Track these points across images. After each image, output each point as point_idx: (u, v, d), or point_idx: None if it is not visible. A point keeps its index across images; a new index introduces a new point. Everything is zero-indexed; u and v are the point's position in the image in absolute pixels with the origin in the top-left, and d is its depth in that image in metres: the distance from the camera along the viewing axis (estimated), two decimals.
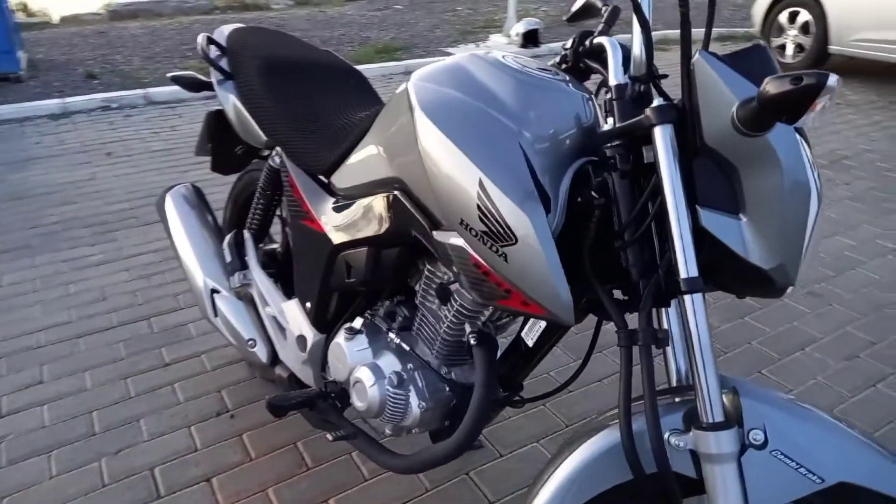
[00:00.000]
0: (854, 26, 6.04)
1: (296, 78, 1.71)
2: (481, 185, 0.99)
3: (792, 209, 0.91)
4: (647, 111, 0.94)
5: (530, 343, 1.24)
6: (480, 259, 1.03)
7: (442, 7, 10.30)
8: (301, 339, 1.60)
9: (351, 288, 1.43)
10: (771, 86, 0.79)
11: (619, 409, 0.94)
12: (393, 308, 1.46)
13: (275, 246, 1.96)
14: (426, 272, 1.33)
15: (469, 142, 1.03)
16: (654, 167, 0.98)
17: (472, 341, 1.24)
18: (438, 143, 1.05)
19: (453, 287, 1.26)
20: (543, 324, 1.21)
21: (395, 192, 1.24)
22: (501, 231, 0.98)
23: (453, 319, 1.28)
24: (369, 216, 1.32)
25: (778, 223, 0.92)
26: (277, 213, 1.86)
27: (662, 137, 0.93)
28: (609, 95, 1.04)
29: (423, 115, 1.08)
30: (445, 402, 1.38)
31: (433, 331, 1.36)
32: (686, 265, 0.93)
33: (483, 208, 0.99)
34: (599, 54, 1.18)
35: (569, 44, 1.24)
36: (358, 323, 1.45)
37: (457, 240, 1.07)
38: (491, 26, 8.29)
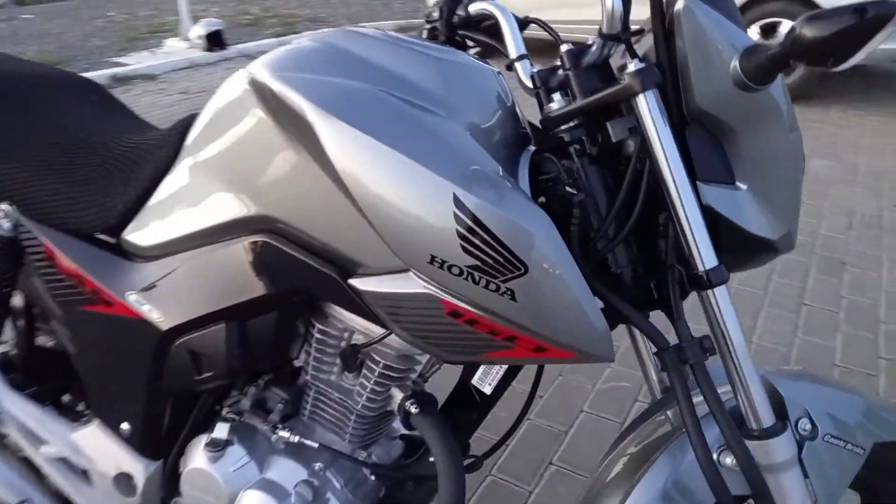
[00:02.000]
0: None
1: (16, 102, 1.14)
2: (457, 202, 0.70)
3: (790, 166, 0.81)
4: (627, 77, 0.75)
5: (488, 389, 0.98)
6: (466, 306, 0.74)
7: (89, 13, 8.87)
8: (122, 479, 1.08)
9: (202, 386, 0.99)
10: (810, 27, 0.66)
11: (693, 439, 0.75)
12: (262, 394, 1.06)
13: (7, 350, 1.33)
14: (317, 336, 0.97)
15: (418, 146, 0.72)
16: (621, 147, 0.80)
17: (412, 409, 0.93)
18: (374, 156, 0.72)
19: (366, 350, 0.94)
20: (504, 367, 0.96)
21: (264, 238, 0.86)
22: (502, 260, 0.70)
23: (375, 388, 0.95)
24: (220, 278, 0.91)
25: (778, 186, 0.81)
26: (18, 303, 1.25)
27: (650, 106, 0.75)
28: (561, 67, 0.82)
29: (331, 118, 0.73)
30: (373, 496, 1.04)
31: (341, 409, 1.01)
32: (704, 254, 0.77)
33: (467, 234, 0.70)
34: (479, 24, 0.96)
35: (436, 14, 0.99)
36: (221, 430, 1.02)
37: (415, 287, 0.76)
38: (161, 30, 7.36)
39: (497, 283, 0.71)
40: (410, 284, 0.77)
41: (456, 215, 0.70)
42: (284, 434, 1.00)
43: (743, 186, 0.81)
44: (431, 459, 1.00)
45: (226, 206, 0.89)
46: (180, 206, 0.94)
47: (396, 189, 0.71)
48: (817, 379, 0.94)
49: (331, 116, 0.73)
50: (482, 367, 0.97)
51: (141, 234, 0.99)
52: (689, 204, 0.77)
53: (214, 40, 6.45)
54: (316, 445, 0.98)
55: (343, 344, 0.97)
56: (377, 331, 0.93)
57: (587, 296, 0.72)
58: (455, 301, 0.74)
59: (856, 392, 0.91)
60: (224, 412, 1.04)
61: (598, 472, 0.91)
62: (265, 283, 0.89)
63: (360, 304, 0.83)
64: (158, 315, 0.96)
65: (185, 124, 0.98)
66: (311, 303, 0.97)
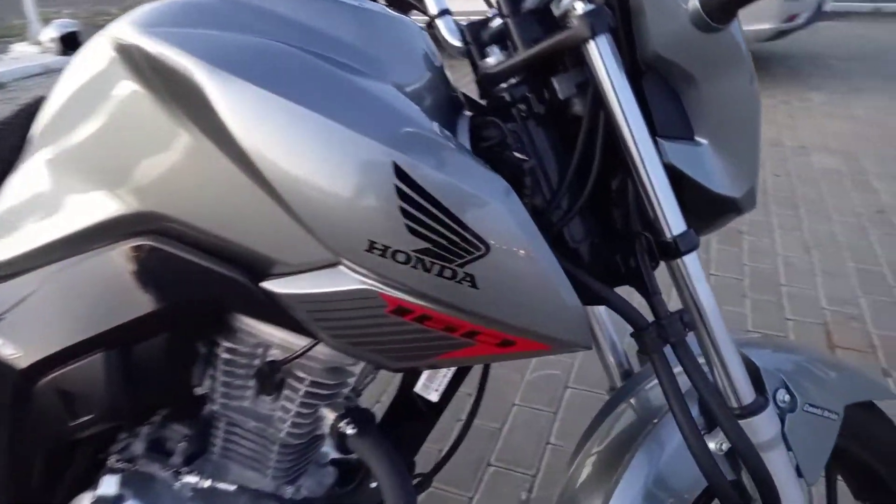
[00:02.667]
0: None
1: None
2: (399, 172, 0.56)
3: (751, 117, 0.75)
4: (575, 21, 0.64)
5: (434, 397, 0.85)
6: (415, 299, 0.60)
7: None
8: None
9: (80, 433, 0.79)
10: None
11: (683, 424, 0.66)
12: (158, 434, 0.87)
13: None
14: (223, 356, 0.80)
15: (343, 107, 0.58)
16: (568, 104, 0.70)
17: (348, 430, 0.78)
18: (287, 121, 0.57)
19: (287, 366, 0.78)
20: (452, 368, 0.83)
21: (146, 242, 0.69)
22: (458, 240, 0.57)
23: (301, 411, 0.80)
24: (92, 296, 0.73)
25: (739, 139, 0.75)
26: None
27: (603, 54, 0.65)
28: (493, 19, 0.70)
29: (228, 76, 0.58)
30: None
31: (260, 440, 0.84)
32: (671, 218, 0.69)
33: (414, 211, 0.56)
34: None
35: None
36: (109, 484, 0.82)
37: (348, 283, 0.61)
38: (7, 35, 6.63)
39: (453, 268, 0.58)
40: (342, 280, 0.62)
41: (398, 189, 0.56)
42: (191, 479, 0.83)
43: (704, 142, 0.73)
44: (374, 485, 0.86)
45: (94, 206, 0.70)
46: (33, 211, 0.74)
47: (320, 161, 0.57)
48: (780, 344, 0.89)
49: (227, 75, 0.58)
50: (426, 373, 0.84)
51: None
52: (651, 163, 0.68)
53: (70, 43, 5.87)
54: (232, 488, 0.82)
55: (257, 362, 0.81)
56: (299, 342, 0.77)
57: (559, 274, 0.61)
58: (400, 295, 0.60)
59: (816, 352, 0.87)
60: (111, 461, 0.85)
61: (567, 476, 0.81)
62: (152, 298, 0.71)
63: (276, 311, 0.67)
64: (13, 350, 0.75)
65: (30, 111, 0.78)
66: (213, 316, 0.81)
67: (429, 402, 0.85)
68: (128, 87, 0.66)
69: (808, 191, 3.26)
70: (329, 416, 0.80)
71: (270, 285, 0.66)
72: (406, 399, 0.87)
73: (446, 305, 0.60)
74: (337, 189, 0.57)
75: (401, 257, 0.58)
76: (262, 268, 0.67)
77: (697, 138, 0.73)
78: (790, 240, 2.78)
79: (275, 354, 0.80)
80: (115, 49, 0.66)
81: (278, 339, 0.78)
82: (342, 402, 0.83)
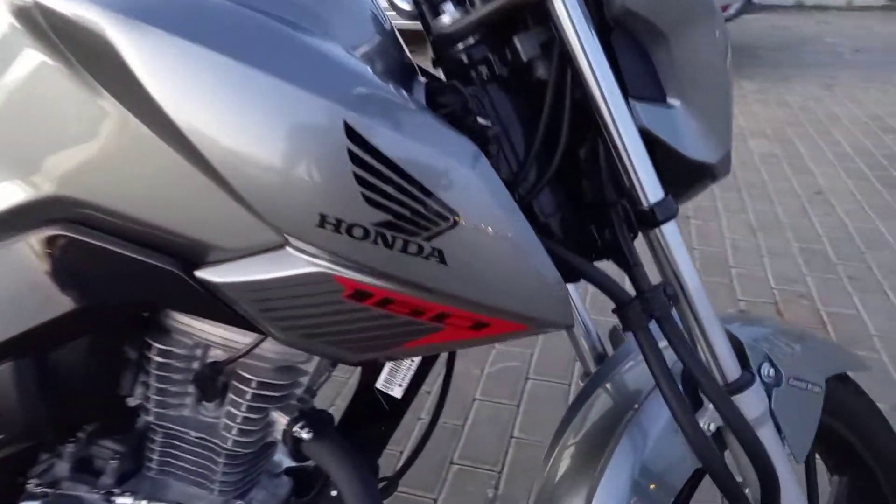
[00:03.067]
0: None
1: None
2: (350, 132, 0.49)
3: (722, 77, 0.70)
4: None
5: (398, 392, 0.77)
6: (375, 281, 0.53)
7: None
8: None
9: None
10: None
11: (673, 404, 0.61)
12: (85, 452, 0.77)
13: None
14: (157, 360, 0.71)
15: (283, 61, 0.50)
16: (532, 66, 0.64)
17: (304, 434, 0.70)
18: (219, 78, 0.49)
19: (231, 367, 0.70)
20: (416, 360, 0.76)
21: (58, 232, 0.60)
22: (422, 210, 0.50)
23: (249, 417, 0.72)
24: None
25: (712, 100, 0.71)
26: None
27: (570, 7, 0.60)
28: None
29: (146, 29, 0.49)
30: None
31: (203, 453, 0.75)
32: (648, 185, 0.64)
33: (370, 178, 0.49)
34: None
35: None
36: None
37: (297, 266, 0.54)
38: None
39: (419, 242, 0.51)
40: (290, 264, 0.54)
41: (350, 152, 0.49)
42: (125, 501, 0.73)
43: (676, 104, 0.69)
44: (335, 493, 0.79)
45: None
46: None
47: (257, 123, 0.49)
48: (754, 318, 0.86)
49: (144, 25, 0.49)
50: (388, 366, 0.77)
51: None
52: (625, 126, 0.62)
53: None
54: None
55: (196, 365, 0.72)
56: (243, 339, 0.69)
57: (537, 247, 0.54)
58: (358, 277, 0.53)
59: (789, 325, 0.84)
60: (31, 486, 0.75)
61: (545, 472, 0.75)
62: (69, 296, 0.62)
63: (215, 304, 0.59)
64: None
65: None
66: (141, 315, 0.71)
67: (392, 398, 0.78)
68: (30, 55, 0.56)
69: (750, 175, 3.32)
70: (281, 420, 0.72)
71: (207, 274, 0.58)
72: (366, 397, 0.79)
73: (412, 286, 0.53)
74: (279, 155, 0.49)
75: (357, 232, 0.50)
76: (196, 255, 0.58)
77: (669, 100, 0.68)
78: (736, 222, 2.81)
79: (216, 355, 0.72)
80: (13, 14, 0.56)
81: (219, 337, 0.70)
82: (295, 404, 0.75)
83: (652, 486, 0.68)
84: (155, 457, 0.76)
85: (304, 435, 0.70)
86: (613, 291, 0.61)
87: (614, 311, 0.63)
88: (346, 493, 0.69)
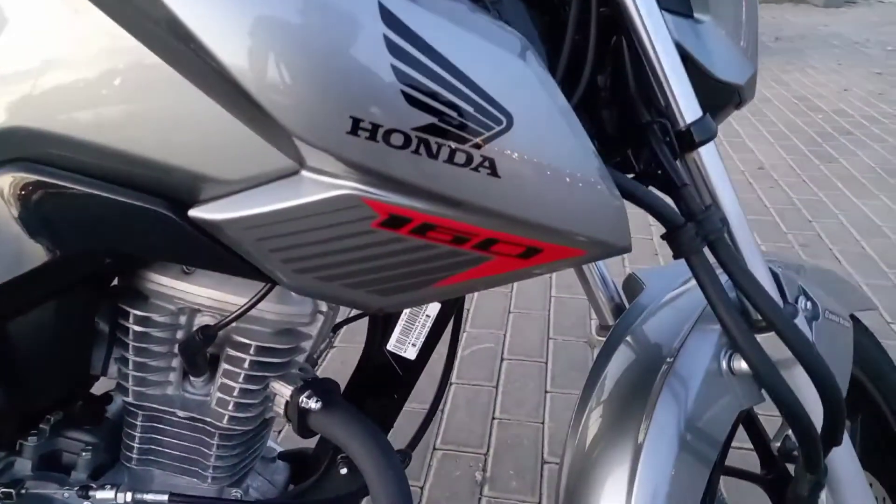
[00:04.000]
0: None
1: None
2: (387, 16, 0.41)
3: None
4: None
5: (411, 353, 0.69)
6: (413, 203, 0.45)
7: None
8: None
9: None
10: None
11: (734, 331, 0.56)
12: (50, 446, 0.67)
13: None
14: (134, 329, 0.61)
15: None
16: None
17: (312, 404, 0.62)
18: None
19: (225, 331, 0.61)
20: (434, 309, 0.68)
21: (15, 174, 0.50)
22: (472, 110, 0.43)
23: (247, 388, 0.63)
24: None
25: (740, 15, 0.66)
26: None
27: None
28: None
29: None
30: None
31: (193, 435, 0.66)
32: (685, 103, 0.59)
33: (412, 72, 0.42)
34: None
35: None
36: None
37: (318, 191, 0.45)
38: None
39: (467, 149, 0.43)
40: (309, 189, 0.46)
41: (388, 40, 0.41)
42: (104, 496, 0.63)
43: (705, 18, 0.64)
44: (344, 471, 0.71)
45: None
46: None
47: (278, 12, 0.41)
48: (779, 254, 0.82)
49: None
50: (400, 324, 0.69)
51: None
52: (662, 38, 0.57)
53: None
54: (163, 498, 0.62)
55: (180, 334, 0.63)
56: (236, 299, 0.60)
57: (594, 154, 0.48)
58: (393, 199, 0.45)
59: (810, 261, 0.81)
60: None
61: (575, 437, 0.68)
62: (27, 252, 0.52)
63: (212, 249, 0.50)
64: None
65: None
66: (112, 275, 0.62)
67: (405, 360, 0.70)
68: None
69: None
70: (283, 391, 0.64)
71: (203, 213, 0.49)
72: (375, 361, 0.71)
73: (457, 206, 0.45)
74: (302, 49, 0.41)
75: (396, 139, 0.43)
76: (188, 192, 0.50)
77: (697, 15, 0.64)
78: None
79: (202, 321, 0.63)
80: None
81: (207, 298, 0.61)
82: (297, 373, 0.66)
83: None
84: (135, 444, 0.66)
85: (313, 405, 0.62)
86: (665, 214, 0.55)
87: (664, 236, 0.57)
88: (367, 467, 0.61)
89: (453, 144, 0.43)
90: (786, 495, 0.68)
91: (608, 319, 0.80)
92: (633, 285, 0.80)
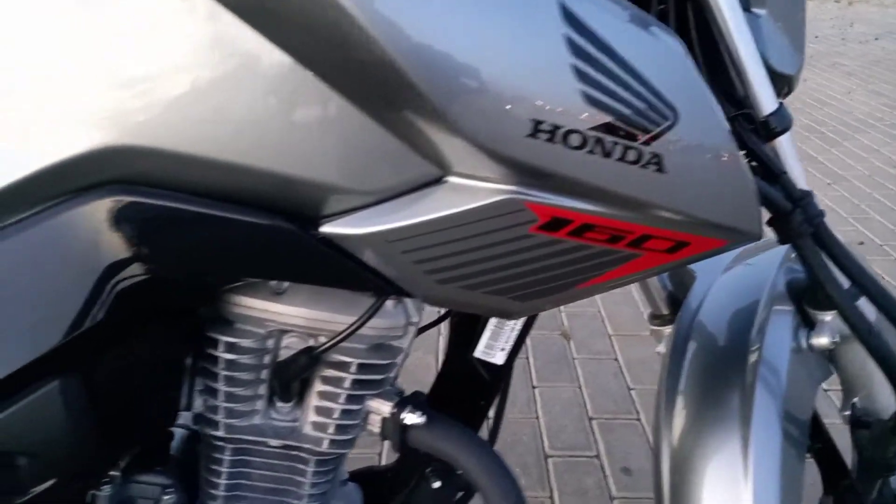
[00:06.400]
0: None
1: None
2: (569, 17, 0.40)
3: None
4: None
5: (500, 358, 0.68)
6: (577, 204, 0.44)
7: None
8: None
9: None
10: None
11: (849, 313, 0.58)
12: (124, 493, 0.61)
13: None
14: (225, 357, 0.56)
15: None
16: None
17: (415, 418, 0.60)
18: None
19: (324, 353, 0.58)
20: (521, 319, 0.66)
21: (115, 198, 0.45)
22: (644, 107, 0.43)
23: (349, 409, 0.60)
24: (29, 297, 0.46)
25: (790, 11, 0.69)
26: None
27: None
28: None
29: None
30: None
31: (286, 464, 0.62)
32: (764, 94, 0.61)
33: (591, 71, 0.41)
34: None
35: None
36: None
37: (476, 197, 0.44)
38: None
39: (638, 147, 0.43)
40: (461, 197, 0.45)
41: (570, 40, 0.41)
42: None
43: (761, 12, 0.67)
44: (437, 485, 0.69)
45: (23, 152, 0.44)
46: None
47: (457, 12, 0.39)
48: None
49: None
50: (489, 329, 0.68)
51: None
52: (742, 30, 0.59)
53: None
54: None
55: (267, 359, 0.59)
56: (331, 316, 0.57)
57: (735, 145, 0.49)
58: (556, 201, 0.44)
59: None
60: None
61: (670, 438, 0.67)
62: (132, 282, 0.47)
63: (340, 264, 0.48)
64: None
65: None
66: (200, 303, 0.57)
67: (492, 366, 0.69)
68: None
69: None
70: (381, 408, 0.61)
71: (336, 227, 0.46)
72: (460, 369, 0.69)
73: (622, 204, 0.45)
74: (485, 53, 0.40)
75: (574, 140, 0.42)
76: (313, 206, 0.47)
77: (754, 10, 0.67)
78: None
79: (291, 343, 0.59)
80: None
81: (300, 317, 0.57)
82: (392, 388, 0.64)
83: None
84: (222, 480, 0.61)
85: (416, 419, 0.60)
86: (775, 200, 0.57)
87: (769, 222, 0.59)
88: (481, 476, 0.60)
89: (626, 142, 0.43)
90: (861, 455, 0.72)
91: (662, 308, 0.82)
92: (681, 274, 0.83)
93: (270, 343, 0.58)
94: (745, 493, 0.60)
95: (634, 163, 0.44)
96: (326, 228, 0.47)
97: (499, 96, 0.40)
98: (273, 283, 0.55)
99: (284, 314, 0.57)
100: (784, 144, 0.63)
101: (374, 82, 0.41)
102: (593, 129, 0.42)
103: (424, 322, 0.76)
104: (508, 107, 0.40)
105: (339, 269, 0.48)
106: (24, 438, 0.47)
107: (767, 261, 0.78)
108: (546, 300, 0.51)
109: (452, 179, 0.45)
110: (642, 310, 2.09)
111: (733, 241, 0.51)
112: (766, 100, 0.61)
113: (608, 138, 0.42)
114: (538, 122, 0.41)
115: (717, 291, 0.77)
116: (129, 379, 0.52)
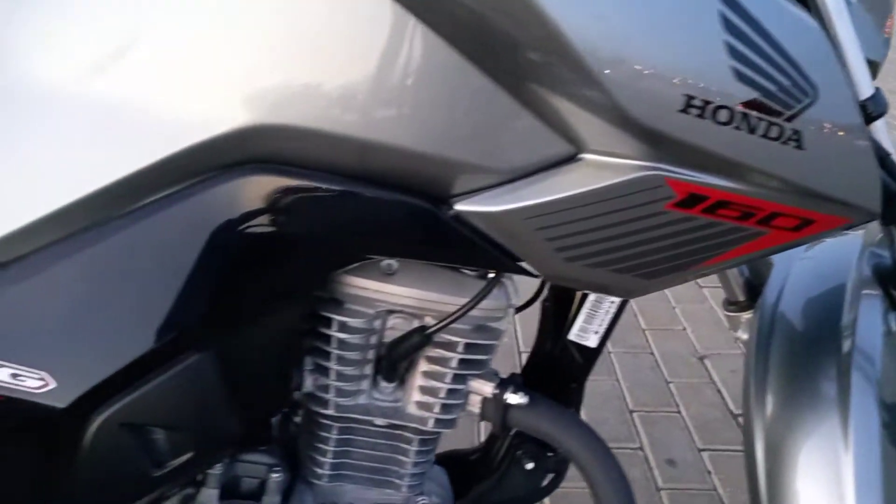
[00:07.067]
0: None
1: None
2: None
3: None
4: None
5: (593, 341, 0.69)
6: (715, 180, 0.45)
7: None
8: None
9: (162, 485, 0.52)
10: None
11: None
12: (231, 474, 0.62)
13: None
14: (338, 337, 0.57)
15: None
16: None
17: (518, 399, 0.61)
18: None
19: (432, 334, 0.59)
20: (616, 301, 0.67)
21: (257, 175, 0.46)
22: (788, 84, 0.44)
23: (454, 388, 0.61)
24: (171, 267, 0.47)
25: None
26: None
27: None
28: None
29: None
30: None
31: (390, 444, 0.63)
32: (861, 79, 0.61)
33: (742, 48, 0.42)
34: None
35: None
36: None
37: (616, 173, 0.45)
38: None
39: (780, 123, 0.44)
40: (599, 173, 0.45)
41: (724, 17, 0.41)
42: None
43: (853, 0, 0.67)
44: (530, 466, 0.69)
45: (159, 130, 0.45)
46: (49, 150, 0.46)
47: None
48: None
49: None
50: (584, 312, 0.68)
51: None
52: (842, 15, 0.59)
53: None
54: None
55: (374, 339, 0.60)
56: (440, 297, 0.58)
57: (862, 121, 0.50)
58: (695, 178, 0.45)
59: None
60: None
61: (763, 429, 0.66)
62: (275, 257, 0.48)
63: (469, 243, 0.49)
64: (38, 381, 0.46)
65: None
66: (313, 282, 0.58)
67: (585, 348, 0.69)
68: None
69: None
70: (482, 388, 0.62)
71: (471, 205, 0.47)
72: (551, 352, 0.70)
73: (760, 181, 0.46)
74: (642, 27, 0.40)
75: (722, 115, 0.43)
76: (446, 184, 0.47)
77: None
78: None
79: (396, 324, 0.60)
80: None
81: (410, 297, 0.58)
82: (493, 370, 0.64)
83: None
84: (328, 459, 0.62)
85: (518, 400, 0.61)
86: (884, 181, 0.58)
87: None
88: (584, 455, 0.60)
89: (770, 118, 0.44)
90: None
91: (738, 295, 0.83)
92: (759, 260, 0.83)
93: (378, 323, 0.59)
94: (846, 476, 0.60)
95: (776, 139, 0.44)
96: (460, 206, 0.47)
97: (656, 71, 0.41)
98: (384, 263, 0.56)
99: (396, 294, 0.58)
100: (880, 128, 0.63)
101: (527, 58, 0.42)
102: (741, 104, 0.43)
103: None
104: (664, 82, 0.41)
105: (467, 247, 0.49)
106: (166, 412, 0.48)
107: (846, 246, 0.78)
108: (668, 278, 0.52)
109: (587, 157, 0.46)
110: (673, 305, 2.10)
111: (856, 220, 0.51)
112: (863, 84, 0.61)
113: (754, 114, 0.43)
114: (690, 98, 0.42)
115: (798, 277, 0.77)
116: (257, 356, 0.53)
